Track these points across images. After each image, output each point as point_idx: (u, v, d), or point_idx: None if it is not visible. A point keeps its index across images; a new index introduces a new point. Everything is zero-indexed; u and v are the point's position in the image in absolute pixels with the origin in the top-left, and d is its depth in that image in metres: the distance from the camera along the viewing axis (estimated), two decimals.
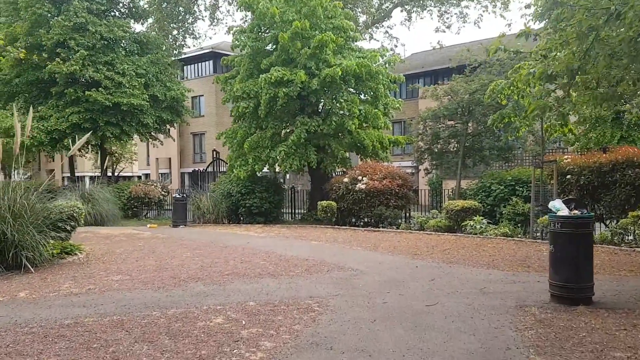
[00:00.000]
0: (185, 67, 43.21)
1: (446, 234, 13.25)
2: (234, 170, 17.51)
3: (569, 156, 13.91)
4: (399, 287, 6.93)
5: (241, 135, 17.47)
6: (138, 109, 24.09)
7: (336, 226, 15.69)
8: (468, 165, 18.29)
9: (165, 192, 23.40)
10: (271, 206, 17.31)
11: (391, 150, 20.40)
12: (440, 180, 29.32)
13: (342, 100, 16.61)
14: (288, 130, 17.80)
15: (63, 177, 51.23)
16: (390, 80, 18.01)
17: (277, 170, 17.57)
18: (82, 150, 24.84)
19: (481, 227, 12.93)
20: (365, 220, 16.22)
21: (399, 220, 15.94)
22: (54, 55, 22.89)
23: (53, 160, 53.23)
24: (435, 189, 25.36)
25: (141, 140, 30.94)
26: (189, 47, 32.68)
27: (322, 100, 17.12)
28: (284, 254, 9.78)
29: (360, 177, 15.94)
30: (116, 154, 49.64)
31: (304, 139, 16.55)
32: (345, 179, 16.16)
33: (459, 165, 17.05)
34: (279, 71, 16.24)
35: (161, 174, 43.55)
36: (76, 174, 54.32)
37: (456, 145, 17.48)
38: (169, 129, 29.10)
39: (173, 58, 28.84)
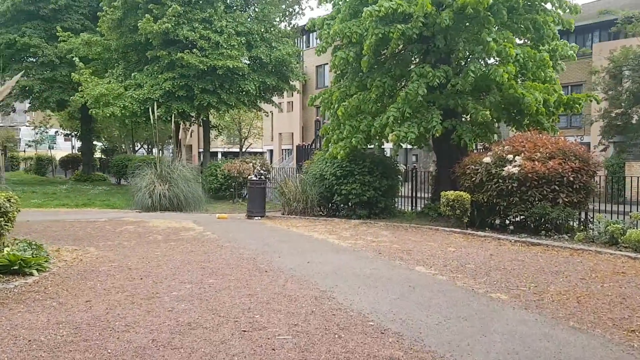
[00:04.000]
0: (310, 35, 39.59)
1: None
2: (329, 145, 12.97)
3: None
4: None
5: (337, 98, 12.79)
6: (237, 73, 20.62)
7: (468, 230, 10.41)
8: None
9: (264, 170, 19.72)
10: (377, 194, 12.49)
11: (557, 118, 14.20)
12: (623, 162, 21.84)
13: (489, 40, 11.02)
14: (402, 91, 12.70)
15: (199, 153, 51.24)
16: (563, 8, 11.90)
17: (384, 144, 12.57)
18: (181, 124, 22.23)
19: None
20: (517, 220, 10.70)
21: (571, 223, 10.22)
22: (149, 13, 20.23)
23: (191, 136, 53.67)
24: (615, 174, 18.37)
25: (243, 112, 27.94)
26: (304, 13, 28.58)
27: (457, 41, 11.65)
28: (346, 308, 5.00)
29: (510, 156, 10.40)
30: (244, 130, 48.19)
31: (423, 98, 11.36)
32: (487, 159, 10.71)
33: None
34: (390, 0, 11.17)
35: (283, 149, 40.79)
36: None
37: None
38: (279, 97, 25.47)
39: (293, 22, 24.86)
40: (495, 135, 12.26)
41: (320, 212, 13.62)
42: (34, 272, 6.32)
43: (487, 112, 11.48)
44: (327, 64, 37.49)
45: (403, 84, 12.98)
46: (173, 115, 19.41)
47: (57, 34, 23.04)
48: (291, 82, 23.82)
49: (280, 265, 6.89)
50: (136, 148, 48.59)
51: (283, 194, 13.14)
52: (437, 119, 11.45)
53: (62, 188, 24.08)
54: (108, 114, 19.52)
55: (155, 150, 48.82)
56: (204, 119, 23.16)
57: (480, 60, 12.08)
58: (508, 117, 12.98)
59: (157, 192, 15.25)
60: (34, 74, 26.58)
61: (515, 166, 10.21)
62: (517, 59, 11.63)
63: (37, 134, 39.97)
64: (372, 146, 13.33)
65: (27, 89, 26.60)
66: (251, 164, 19.57)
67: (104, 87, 19.69)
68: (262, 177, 13.40)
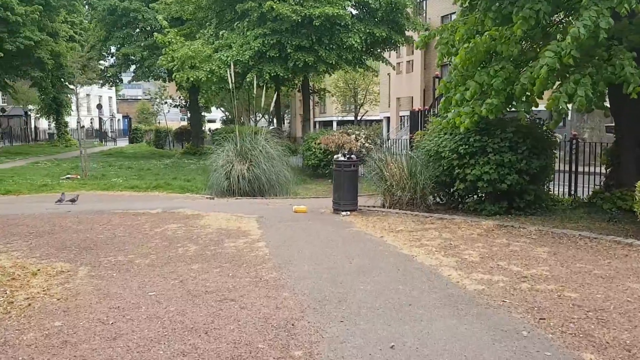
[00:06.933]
0: None
1: None
2: (448, 112, 8.99)
3: None
4: None
5: (462, 37, 8.69)
6: (338, 23, 17.09)
7: None
8: None
9: (370, 142, 16.16)
10: (522, 180, 8.36)
11: None
12: None
13: None
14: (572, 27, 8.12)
15: (315, 123, 48.68)
16: None
17: (531, 108, 8.20)
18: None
19: None
20: None
21: None
22: None
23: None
24: None
25: (346, 72, 24.28)
26: None
27: None
28: None
29: None
30: (360, 96, 44.68)
31: (607, 33, 6.90)
32: None
33: None
34: None
35: (402, 116, 36.59)
36: (323, 119, 52.03)
37: None
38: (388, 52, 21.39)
39: None
40: None
41: (439, 201, 9.86)
42: None
43: None
44: (454, 13, 32.27)
45: (570, 18, 8.50)
46: (254, 79, 16.42)
47: None
48: (407, 34, 19.70)
49: (334, 355, 3.44)
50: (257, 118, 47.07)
51: (383, 178, 9.54)
52: (630, 67, 6.93)
53: (163, 163, 22.74)
54: (192, 79, 17.21)
55: (275, 121, 46.92)
56: (301, 83, 20.07)
57: None
58: None
59: (235, 173, 12.49)
60: (136, 40, 25.44)
61: None
62: None
63: (153, 105, 40.14)
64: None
65: (129, 57, 25.59)
66: (353, 135, 16.09)
67: (189, 48, 17.36)
68: (354, 155, 9.82)
